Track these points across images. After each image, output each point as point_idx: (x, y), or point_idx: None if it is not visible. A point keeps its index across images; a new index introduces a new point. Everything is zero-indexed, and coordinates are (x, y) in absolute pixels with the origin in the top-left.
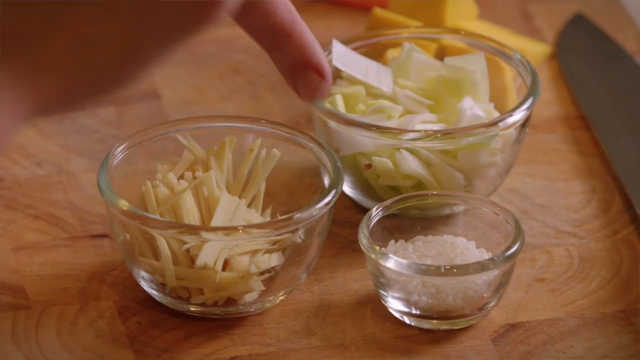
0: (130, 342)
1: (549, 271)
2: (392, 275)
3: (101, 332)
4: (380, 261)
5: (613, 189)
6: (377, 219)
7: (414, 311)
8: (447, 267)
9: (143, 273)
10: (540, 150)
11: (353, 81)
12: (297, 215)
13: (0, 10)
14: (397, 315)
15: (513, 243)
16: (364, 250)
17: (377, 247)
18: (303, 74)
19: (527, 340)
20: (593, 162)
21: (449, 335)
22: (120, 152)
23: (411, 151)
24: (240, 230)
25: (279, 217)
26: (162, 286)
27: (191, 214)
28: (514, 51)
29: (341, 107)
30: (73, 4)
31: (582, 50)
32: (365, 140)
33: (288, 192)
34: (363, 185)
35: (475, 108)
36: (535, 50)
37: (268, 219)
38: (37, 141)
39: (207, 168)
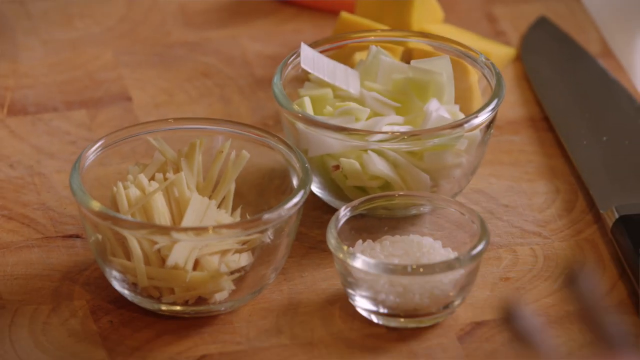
0: (102, 341)
1: (514, 270)
2: (359, 275)
3: (74, 331)
4: (348, 261)
5: (576, 189)
6: (345, 219)
7: (381, 310)
8: (414, 266)
9: (115, 273)
10: (505, 151)
11: (321, 84)
12: (266, 216)
13: None
14: (364, 314)
15: (478, 242)
16: (332, 250)
17: (345, 247)
18: None
19: (492, 338)
20: (557, 162)
21: (415, 333)
22: (92, 153)
23: (378, 152)
24: (211, 231)
25: (249, 218)
26: (133, 286)
27: (162, 215)
28: (479, 54)
29: (309, 109)
30: None
31: (545, 52)
32: (333, 142)
33: (257, 192)
34: (331, 186)
35: (441, 110)
36: (500, 52)
37: (238, 219)
38: (10, 143)
39: (177, 169)
